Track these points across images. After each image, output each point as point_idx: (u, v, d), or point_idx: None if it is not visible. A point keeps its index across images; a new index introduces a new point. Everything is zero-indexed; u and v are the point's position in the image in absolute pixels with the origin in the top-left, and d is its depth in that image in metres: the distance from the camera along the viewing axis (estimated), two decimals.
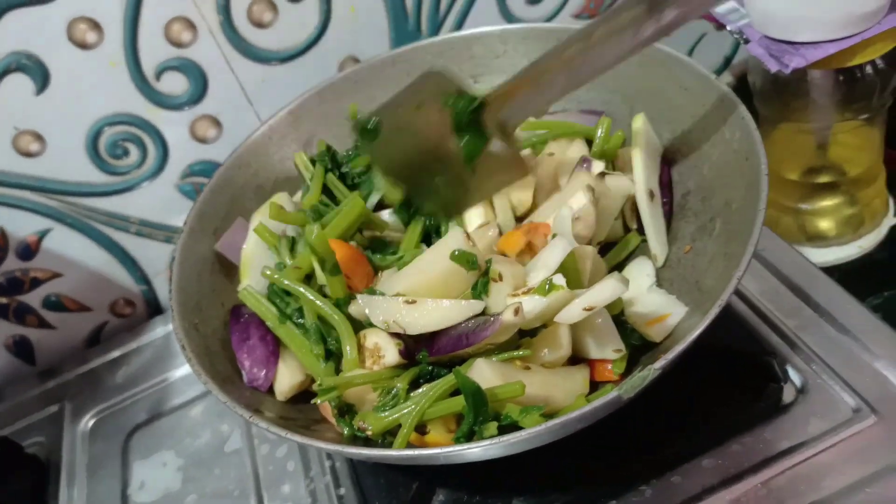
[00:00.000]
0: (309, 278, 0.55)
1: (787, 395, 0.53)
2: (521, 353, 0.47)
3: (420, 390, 0.48)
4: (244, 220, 0.61)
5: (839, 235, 0.72)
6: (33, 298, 0.76)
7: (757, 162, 0.49)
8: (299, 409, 0.53)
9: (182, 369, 0.73)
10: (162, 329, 0.78)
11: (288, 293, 0.55)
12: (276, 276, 0.54)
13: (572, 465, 0.52)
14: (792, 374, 0.54)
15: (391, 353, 0.49)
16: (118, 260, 0.77)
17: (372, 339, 0.50)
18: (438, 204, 0.55)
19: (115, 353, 0.77)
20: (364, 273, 0.54)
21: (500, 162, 0.52)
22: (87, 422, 0.71)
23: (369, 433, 0.47)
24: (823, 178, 0.72)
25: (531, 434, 0.41)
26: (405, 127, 0.54)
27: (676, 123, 0.60)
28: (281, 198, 0.62)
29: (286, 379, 0.53)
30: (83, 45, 0.65)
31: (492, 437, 0.42)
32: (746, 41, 0.64)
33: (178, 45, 0.68)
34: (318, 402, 0.50)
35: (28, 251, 0.73)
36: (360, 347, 0.50)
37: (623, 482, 0.51)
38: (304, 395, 0.55)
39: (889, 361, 0.53)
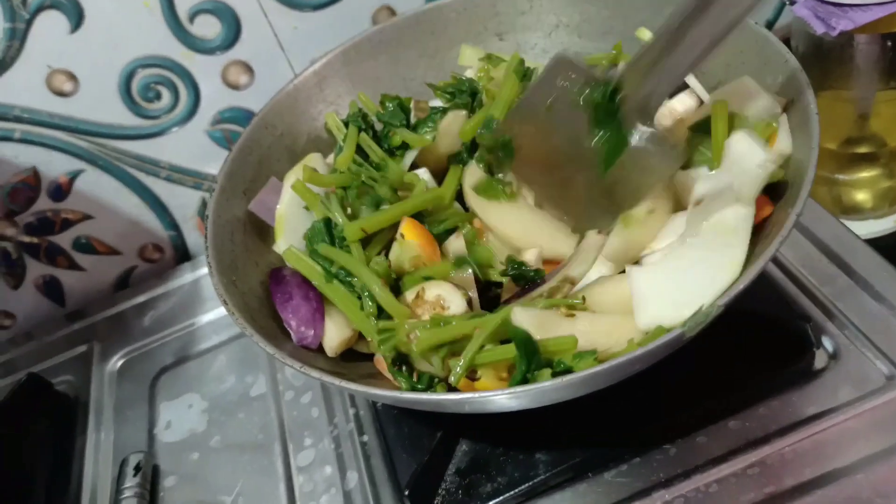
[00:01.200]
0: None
1: (819, 361, 0.52)
2: (569, 301, 0.47)
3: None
4: (277, 180, 0.60)
5: (875, 208, 0.71)
6: (64, 240, 0.77)
7: (806, 102, 0.47)
8: (345, 366, 0.53)
9: (209, 315, 0.74)
10: (190, 275, 0.78)
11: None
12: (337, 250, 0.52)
13: (596, 423, 0.52)
14: (825, 340, 0.53)
15: (457, 303, 0.48)
16: (148, 204, 0.77)
17: (433, 291, 0.49)
18: (573, 212, 0.51)
19: (143, 297, 0.78)
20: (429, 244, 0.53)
21: (647, 156, 0.46)
22: (116, 362, 0.72)
23: (414, 347, 0.47)
24: (862, 149, 0.70)
25: (587, 375, 0.40)
26: (538, 131, 0.50)
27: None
28: (313, 159, 0.61)
29: (334, 335, 0.53)
30: None
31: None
32: (792, 2, 0.63)
33: None
34: (378, 351, 0.49)
35: (60, 192, 0.74)
36: (418, 301, 0.50)
37: (647, 440, 0.51)
38: (350, 354, 0.54)
39: None
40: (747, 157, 0.48)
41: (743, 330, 0.50)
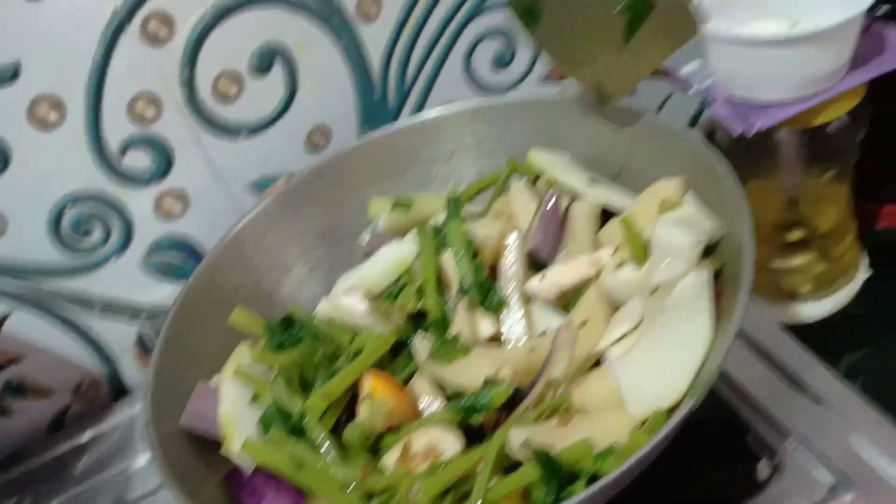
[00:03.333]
0: None
1: (762, 472, 0.51)
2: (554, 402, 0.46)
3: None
4: (205, 384, 0.55)
5: (814, 291, 0.72)
6: None
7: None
8: None
9: (146, 455, 0.70)
10: (128, 411, 0.75)
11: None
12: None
13: None
14: (766, 449, 0.52)
15: (452, 444, 0.46)
16: (82, 341, 0.74)
17: (421, 440, 0.47)
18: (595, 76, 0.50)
19: (78, 441, 0.73)
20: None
21: (671, 18, 0.46)
22: None
23: (421, 500, 0.43)
24: (795, 235, 0.72)
25: (619, 476, 0.39)
26: None
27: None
28: (241, 351, 0.57)
29: None
30: (45, 125, 0.64)
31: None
32: (711, 104, 0.65)
33: (142, 120, 0.67)
34: None
35: None
36: (405, 458, 0.47)
37: None
38: None
39: (865, 434, 0.51)
40: (675, 244, 0.50)
41: (685, 443, 0.49)
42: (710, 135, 0.71)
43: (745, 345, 0.59)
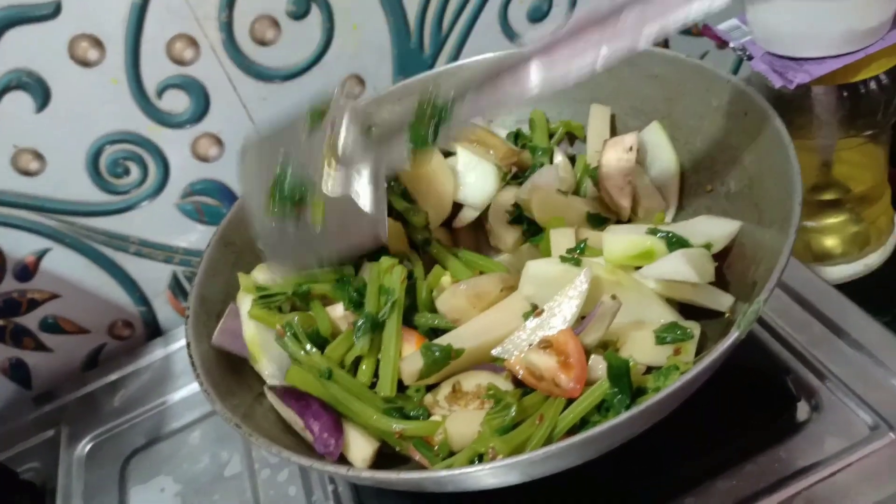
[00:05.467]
0: None
1: (802, 413, 0.52)
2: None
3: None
4: (236, 305, 0.57)
5: (845, 254, 0.72)
6: (30, 320, 0.75)
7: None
8: None
9: (181, 392, 0.72)
10: (161, 351, 0.77)
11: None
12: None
13: (583, 491, 0.50)
14: (805, 391, 0.53)
15: (503, 386, 0.47)
16: (117, 281, 0.76)
17: (471, 381, 0.48)
18: None
19: (113, 377, 0.76)
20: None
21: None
22: (84, 447, 0.70)
23: (500, 458, 0.44)
24: (828, 196, 0.71)
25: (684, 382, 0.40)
26: None
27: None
28: (261, 269, 0.59)
29: (363, 445, 0.50)
30: (85, 63, 0.65)
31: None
32: (749, 58, 0.64)
33: (180, 62, 0.68)
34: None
35: (26, 272, 0.72)
36: (455, 395, 0.48)
37: None
38: None
39: None
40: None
41: (724, 385, 0.49)
42: None
43: (784, 293, 0.59)
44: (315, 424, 0.49)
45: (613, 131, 0.65)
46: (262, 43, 0.70)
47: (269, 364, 0.54)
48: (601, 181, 0.60)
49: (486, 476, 0.41)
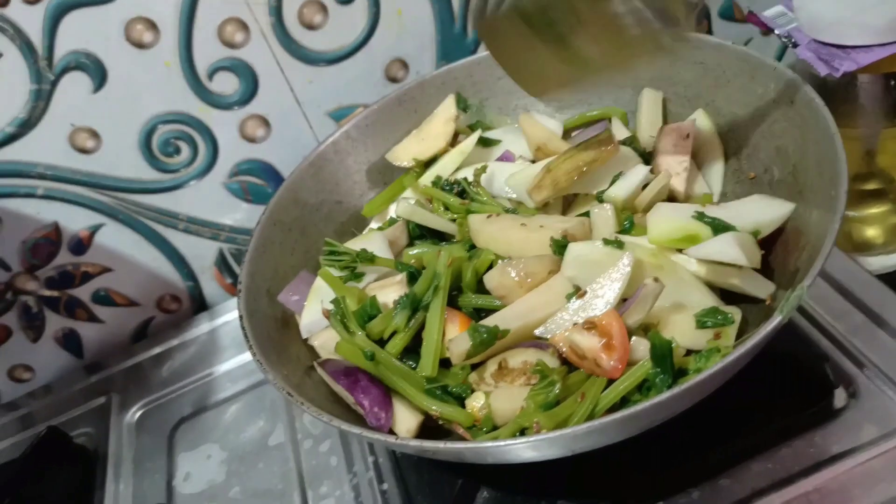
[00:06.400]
0: None
1: (839, 400, 0.52)
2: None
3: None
4: (307, 273, 0.61)
5: (886, 244, 0.71)
6: (83, 292, 0.78)
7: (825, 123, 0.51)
8: None
9: (226, 364, 0.74)
10: (207, 325, 0.79)
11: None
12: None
13: (619, 469, 0.51)
14: (843, 379, 0.53)
15: (550, 363, 0.48)
16: (166, 256, 0.78)
17: (518, 358, 0.49)
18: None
19: (161, 348, 0.79)
20: None
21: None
22: (134, 414, 0.73)
23: (544, 432, 0.45)
24: (870, 186, 0.71)
25: (726, 364, 0.41)
26: None
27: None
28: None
29: (407, 417, 0.52)
30: (140, 45, 0.67)
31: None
32: (795, 45, 0.64)
33: (230, 45, 0.70)
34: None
35: (80, 246, 0.75)
36: (502, 372, 0.50)
37: (671, 485, 0.50)
38: None
39: None
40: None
41: (762, 370, 0.50)
42: None
43: (825, 281, 0.59)
44: (365, 399, 0.51)
45: (664, 117, 0.66)
46: (310, 27, 0.71)
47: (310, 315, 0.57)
48: (656, 167, 0.60)
49: (528, 449, 0.43)
